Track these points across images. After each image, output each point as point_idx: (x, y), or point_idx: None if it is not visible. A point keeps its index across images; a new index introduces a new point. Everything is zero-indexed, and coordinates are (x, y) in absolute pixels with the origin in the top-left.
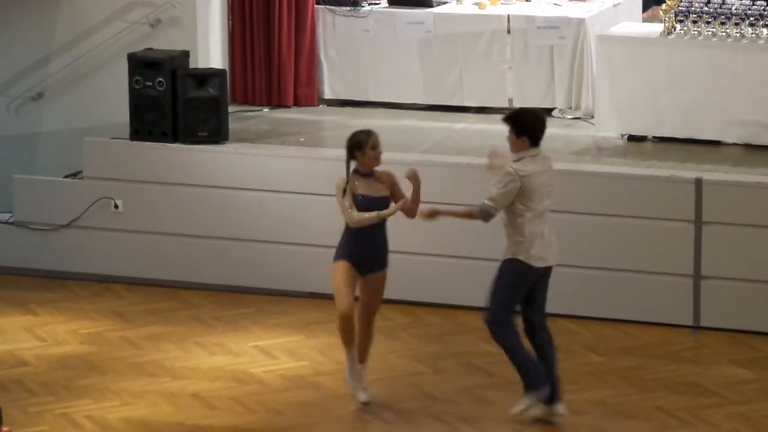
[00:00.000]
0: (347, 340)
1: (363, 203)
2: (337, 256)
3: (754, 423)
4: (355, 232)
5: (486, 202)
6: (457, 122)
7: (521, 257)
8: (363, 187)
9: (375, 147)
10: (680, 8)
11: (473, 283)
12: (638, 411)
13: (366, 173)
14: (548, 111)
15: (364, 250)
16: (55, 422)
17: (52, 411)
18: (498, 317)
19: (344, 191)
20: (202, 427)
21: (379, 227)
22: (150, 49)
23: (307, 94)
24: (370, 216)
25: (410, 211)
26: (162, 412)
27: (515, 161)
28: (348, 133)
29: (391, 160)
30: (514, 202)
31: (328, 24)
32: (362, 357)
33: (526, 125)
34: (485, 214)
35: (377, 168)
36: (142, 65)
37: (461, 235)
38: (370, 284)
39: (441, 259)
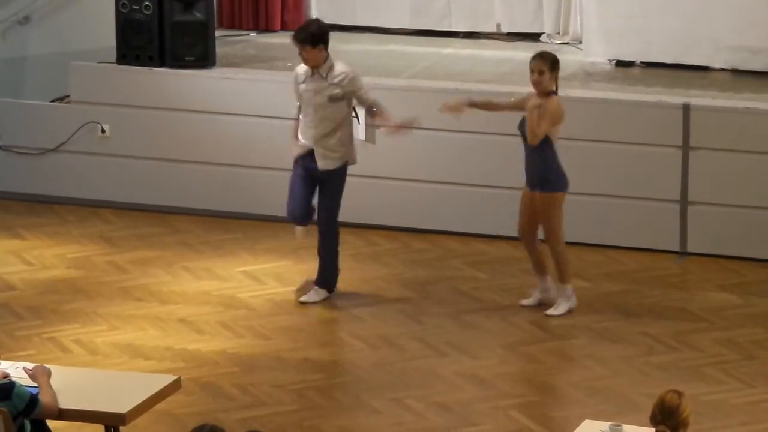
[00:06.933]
0: None
1: None
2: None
3: (740, 347)
4: None
5: None
6: (444, 47)
7: None
8: None
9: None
10: None
11: (460, 209)
12: (624, 336)
13: None
14: (536, 36)
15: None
16: (43, 346)
17: (39, 335)
18: None
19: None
20: (190, 351)
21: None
22: None
23: (294, 18)
24: None
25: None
26: (149, 336)
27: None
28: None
29: (379, 86)
30: None
31: None
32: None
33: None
34: None
35: None
36: None
37: (449, 161)
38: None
39: (428, 185)
